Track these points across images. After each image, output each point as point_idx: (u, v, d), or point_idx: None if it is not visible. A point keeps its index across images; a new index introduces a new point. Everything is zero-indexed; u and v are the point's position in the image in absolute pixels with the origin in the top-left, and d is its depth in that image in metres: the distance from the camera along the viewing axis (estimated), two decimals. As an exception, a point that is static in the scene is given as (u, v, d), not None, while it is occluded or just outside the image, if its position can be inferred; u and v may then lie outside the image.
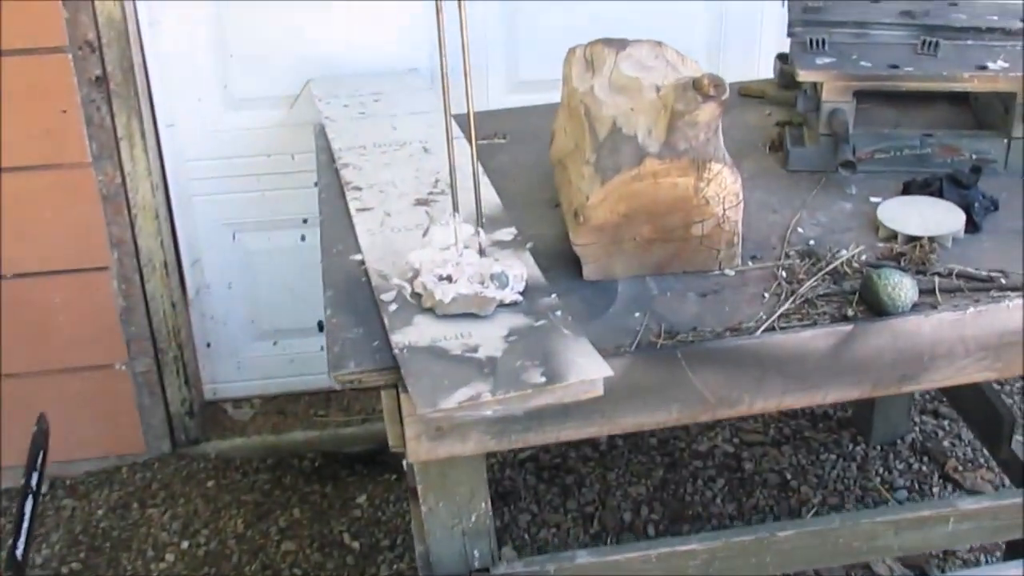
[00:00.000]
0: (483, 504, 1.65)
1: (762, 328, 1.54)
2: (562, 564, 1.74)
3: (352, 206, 1.89)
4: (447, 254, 1.66)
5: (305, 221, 2.67)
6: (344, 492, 2.65)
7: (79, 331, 2.59)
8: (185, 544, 2.53)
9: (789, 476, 2.64)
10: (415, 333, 1.52)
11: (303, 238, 2.71)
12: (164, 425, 2.75)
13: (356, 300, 1.63)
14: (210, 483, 2.71)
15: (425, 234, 1.75)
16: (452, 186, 1.62)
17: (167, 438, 2.77)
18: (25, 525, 1.76)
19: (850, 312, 1.57)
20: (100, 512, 2.64)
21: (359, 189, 1.95)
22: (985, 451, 2.67)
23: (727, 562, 1.81)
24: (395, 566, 2.45)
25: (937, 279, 1.63)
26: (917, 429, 2.77)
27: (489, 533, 1.68)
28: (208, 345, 2.83)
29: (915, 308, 1.57)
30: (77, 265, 2.54)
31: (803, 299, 1.60)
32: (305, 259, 2.69)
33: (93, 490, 2.71)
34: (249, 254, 2.74)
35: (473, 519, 1.66)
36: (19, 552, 1.73)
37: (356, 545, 2.51)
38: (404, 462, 1.78)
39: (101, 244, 2.52)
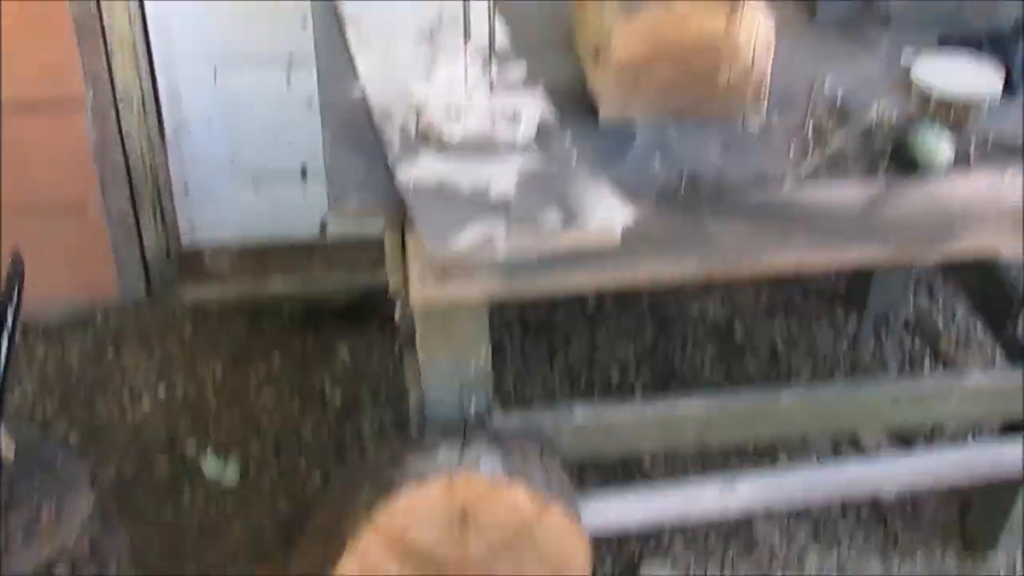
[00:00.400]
0: (483, 352, 1.58)
1: (790, 181, 1.46)
2: (558, 421, 1.69)
3: (351, 40, 1.77)
4: (455, 90, 1.56)
5: (291, 58, 2.54)
6: (326, 343, 2.58)
7: (52, 169, 2.47)
8: (162, 390, 2.46)
9: (780, 346, 2.60)
10: (422, 172, 1.43)
11: (288, 79, 2.58)
12: (140, 269, 2.65)
13: (357, 139, 1.53)
14: (186, 330, 2.63)
15: (431, 71, 1.64)
16: (465, 15, 1.51)
17: (142, 283, 2.67)
18: (1, 362, 1.67)
19: (882, 170, 1.49)
20: (74, 357, 2.56)
21: (358, 22, 1.82)
22: (978, 330, 2.64)
23: (725, 426, 1.77)
24: (378, 419, 2.40)
25: (972, 142, 1.55)
26: (911, 305, 2.73)
27: (488, 382, 1.62)
28: (186, 188, 2.72)
29: (949, 170, 1.50)
30: (50, 100, 2.40)
31: (832, 155, 1.51)
32: (291, 100, 2.57)
33: (67, 335, 2.61)
34: (230, 92, 2.60)
35: (472, 367, 1.59)
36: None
37: (337, 397, 2.45)
38: (397, 311, 1.71)
39: (75, 78, 2.38)
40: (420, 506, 1.47)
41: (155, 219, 2.62)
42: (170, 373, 2.50)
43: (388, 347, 2.55)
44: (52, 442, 1.77)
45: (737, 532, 2.16)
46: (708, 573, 2.09)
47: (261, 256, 2.79)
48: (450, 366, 1.58)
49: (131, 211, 2.56)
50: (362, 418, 2.40)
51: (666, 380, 2.50)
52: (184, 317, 2.66)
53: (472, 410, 1.63)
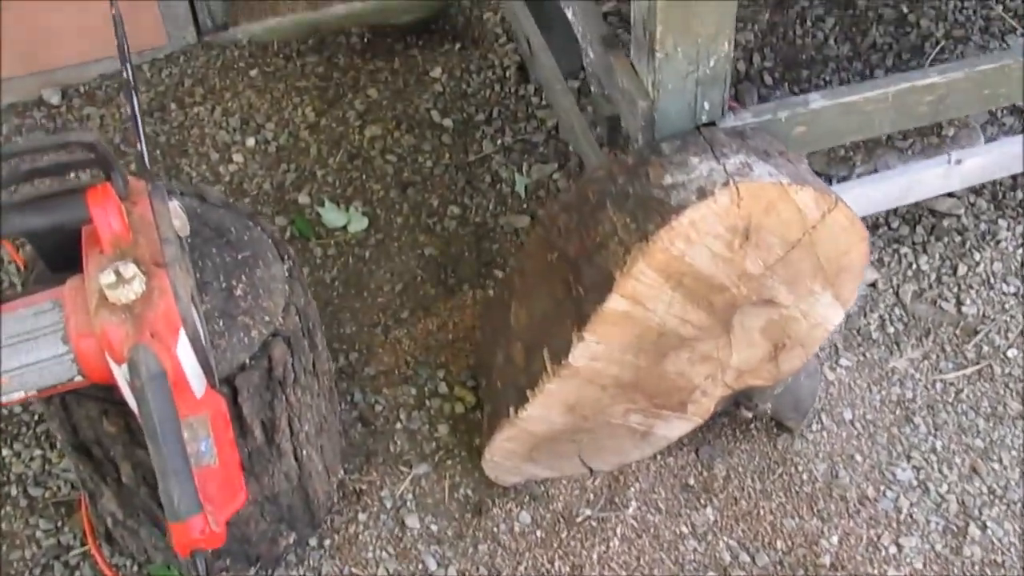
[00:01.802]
0: (726, 44, 1.37)
1: None
2: (795, 110, 1.50)
3: None
4: None
5: None
6: (414, 67, 2.32)
7: None
8: (251, 141, 2.21)
9: (906, 10, 2.38)
10: None
11: None
12: (186, 10, 2.34)
13: None
14: (253, 72, 2.34)
15: None
16: None
17: (190, 26, 2.37)
18: (140, 126, 1.42)
19: None
20: (134, 116, 2.27)
21: None
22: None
23: (963, 95, 1.59)
24: (498, 141, 2.18)
25: None
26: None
27: (725, 79, 1.41)
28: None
29: None
30: None
31: None
32: None
33: (115, 95, 2.31)
34: None
35: (712, 63, 1.38)
36: (147, 160, 1.41)
37: (448, 122, 2.22)
38: None
39: None
40: (704, 224, 1.28)
41: (197, -51, 2.29)
42: (254, 121, 2.24)
43: (483, 64, 2.31)
44: (218, 206, 1.54)
45: (918, 217, 2.03)
46: (902, 258, 1.97)
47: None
48: (688, 64, 1.37)
49: (172, -58, 2.23)
50: (482, 141, 2.18)
51: (792, 63, 2.29)
52: (244, 58, 2.37)
53: (705, 114, 1.43)
